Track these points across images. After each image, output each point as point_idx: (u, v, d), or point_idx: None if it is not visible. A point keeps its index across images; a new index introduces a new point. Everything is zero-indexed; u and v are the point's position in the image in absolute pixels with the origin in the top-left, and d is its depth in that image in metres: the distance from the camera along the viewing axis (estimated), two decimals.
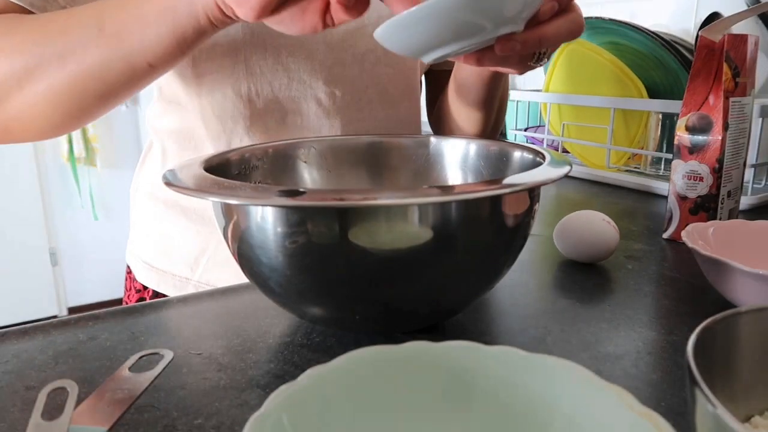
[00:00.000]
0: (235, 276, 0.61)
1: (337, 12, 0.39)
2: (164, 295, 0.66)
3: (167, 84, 0.62)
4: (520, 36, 0.40)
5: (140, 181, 0.71)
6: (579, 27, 0.43)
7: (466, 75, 0.61)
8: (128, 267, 0.72)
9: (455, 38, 0.38)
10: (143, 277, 0.67)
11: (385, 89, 0.64)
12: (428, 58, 0.41)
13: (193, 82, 0.59)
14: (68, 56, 0.44)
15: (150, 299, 0.67)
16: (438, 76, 0.74)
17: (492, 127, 0.68)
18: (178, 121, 0.62)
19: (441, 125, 0.71)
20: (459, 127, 0.67)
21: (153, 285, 0.66)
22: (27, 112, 0.47)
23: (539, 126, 1.15)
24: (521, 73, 0.49)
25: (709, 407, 0.21)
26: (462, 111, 0.65)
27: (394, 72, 0.64)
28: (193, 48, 0.45)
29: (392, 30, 0.37)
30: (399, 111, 0.66)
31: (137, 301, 0.69)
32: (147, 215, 0.68)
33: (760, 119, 0.74)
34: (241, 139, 0.60)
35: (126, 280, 0.73)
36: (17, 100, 0.46)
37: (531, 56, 0.46)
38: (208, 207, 0.61)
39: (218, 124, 0.59)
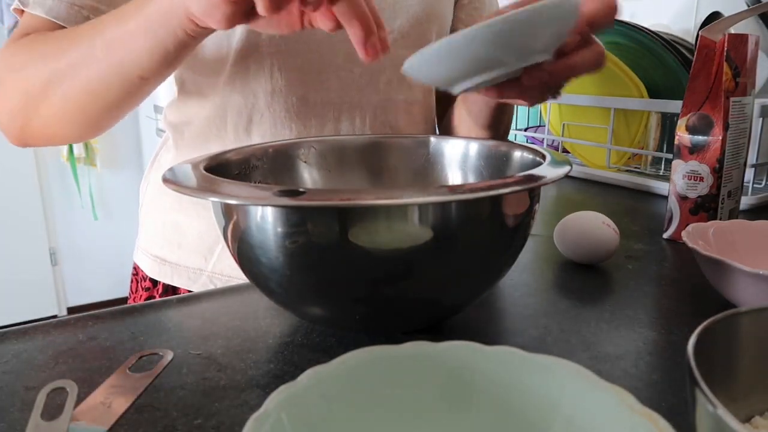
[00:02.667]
0: None
1: (311, 17, 0.40)
2: (175, 289, 0.66)
3: (190, 77, 0.63)
4: (548, 66, 0.41)
5: (152, 177, 0.71)
6: (602, 58, 0.44)
7: (474, 100, 0.63)
8: (135, 268, 0.72)
9: (484, 70, 0.38)
10: (155, 272, 0.67)
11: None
12: (458, 89, 0.41)
13: (219, 67, 0.60)
14: (72, 72, 0.48)
15: (160, 296, 0.67)
16: None
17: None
18: (199, 111, 0.63)
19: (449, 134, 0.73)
20: None
21: (166, 279, 0.66)
22: (52, 120, 0.52)
23: (539, 126, 1.15)
24: (533, 105, 0.50)
25: (709, 407, 0.21)
26: (470, 131, 0.68)
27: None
28: (180, 60, 0.47)
29: (420, 62, 0.37)
30: (416, 94, 0.68)
31: (146, 300, 0.69)
32: (159, 209, 0.68)
33: (761, 119, 0.74)
34: (262, 115, 0.60)
35: (132, 282, 0.73)
36: (43, 111, 0.51)
37: (550, 88, 0.46)
38: None
39: (241, 101, 0.60)
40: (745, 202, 0.74)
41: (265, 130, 0.61)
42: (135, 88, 0.48)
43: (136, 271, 0.71)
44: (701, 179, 0.59)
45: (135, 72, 0.46)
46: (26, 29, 0.54)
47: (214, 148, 0.62)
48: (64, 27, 0.52)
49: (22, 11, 0.54)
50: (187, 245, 0.65)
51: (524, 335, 0.41)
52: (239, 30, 0.57)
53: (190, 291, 0.65)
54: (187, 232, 0.65)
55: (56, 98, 0.50)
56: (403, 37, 0.64)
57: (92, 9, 0.53)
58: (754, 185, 0.78)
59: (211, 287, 0.64)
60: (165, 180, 0.34)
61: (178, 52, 0.45)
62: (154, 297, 0.68)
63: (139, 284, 0.70)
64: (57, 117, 0.51)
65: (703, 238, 0.48)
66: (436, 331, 0.41)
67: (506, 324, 0.43)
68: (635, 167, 0.95)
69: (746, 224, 0.50)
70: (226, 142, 0.62)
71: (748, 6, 0.93)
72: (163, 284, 0.67)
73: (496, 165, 0.49)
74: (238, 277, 0.63)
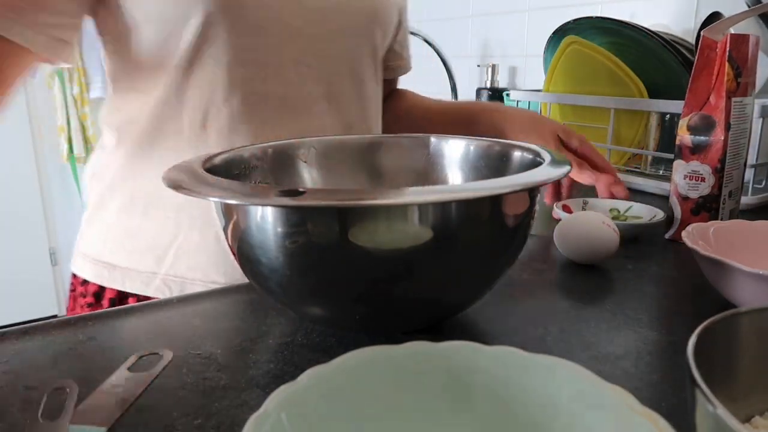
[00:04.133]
0: (208, 263, 0.60)
1: None
2: (125, 297, 0.63)
3: (126, 74, 0.62)
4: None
5: (95, 183, 0.67)
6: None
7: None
8: (74, 282, 0.67)
9: None
10: (104, 279, 0.64)
11: (353, 68, 0.68)
12: None
13: (162, 63, 0.58)
14: None
15: (110, 305, 0.63)
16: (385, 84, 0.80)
17: None
18: (142, 108, 0.60)
19: (401, 124, 0.82)
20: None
21: (116, 285, 0.63)
22: None
23: None
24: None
25: (709, 407, 0.21)
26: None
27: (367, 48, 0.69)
28: None
29: None
30: (369, 89, 0.70)
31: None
32: (106, 214, 0.65)
33: (761, 119, 0.74)
34: (218, 110, 0.58)
35: (69, 299, 0.68)
36: None
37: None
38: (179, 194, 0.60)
39: (197, 95, 0.58)
40: (745, 202, 0.74)
41: (222, 126, 0.59)
42: None
43: (75, 286, 0.67)
44: (702, 179, 0.58)
45: None
46: None
47: (170, 144, 0.60)
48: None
49: None
50: (137, 248, 0.62)
51: (524, 335, 0.41)
52: (191, 29, 0.56)
53: (146, 297, 0.61)
54: (138, 235, 0.62)
55: None
56: (351, 29, 0.65)
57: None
58: (754, 185, 0.78)
59: (166, 290, 0.61)
60: (165, 179, 0.34)
61: None
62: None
63: (77, 301, 0.66)
64: None
65: (703, 238, 0.48)
66: (436, 331, 0.41)
67: (506, 324, 0.43)
68: (635, 167, 0.95)
69: (746, 224, 0.50)
70: (182, 137, 0.59)
71: (749, 6, 0.93)
72: (110, 297, 0.63)
73: (496, 165, 0.49)
74: (195, 278, 0.61)
